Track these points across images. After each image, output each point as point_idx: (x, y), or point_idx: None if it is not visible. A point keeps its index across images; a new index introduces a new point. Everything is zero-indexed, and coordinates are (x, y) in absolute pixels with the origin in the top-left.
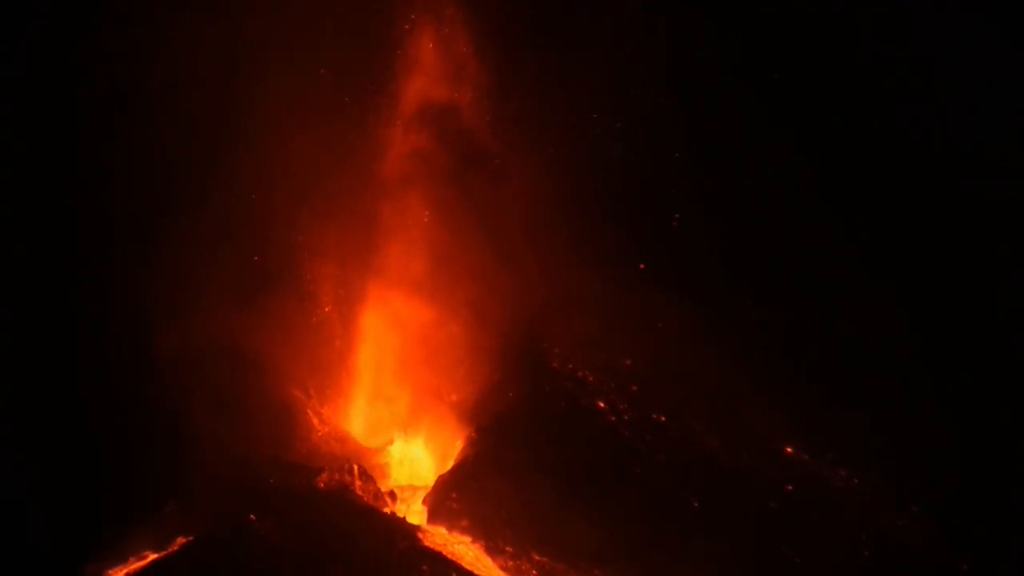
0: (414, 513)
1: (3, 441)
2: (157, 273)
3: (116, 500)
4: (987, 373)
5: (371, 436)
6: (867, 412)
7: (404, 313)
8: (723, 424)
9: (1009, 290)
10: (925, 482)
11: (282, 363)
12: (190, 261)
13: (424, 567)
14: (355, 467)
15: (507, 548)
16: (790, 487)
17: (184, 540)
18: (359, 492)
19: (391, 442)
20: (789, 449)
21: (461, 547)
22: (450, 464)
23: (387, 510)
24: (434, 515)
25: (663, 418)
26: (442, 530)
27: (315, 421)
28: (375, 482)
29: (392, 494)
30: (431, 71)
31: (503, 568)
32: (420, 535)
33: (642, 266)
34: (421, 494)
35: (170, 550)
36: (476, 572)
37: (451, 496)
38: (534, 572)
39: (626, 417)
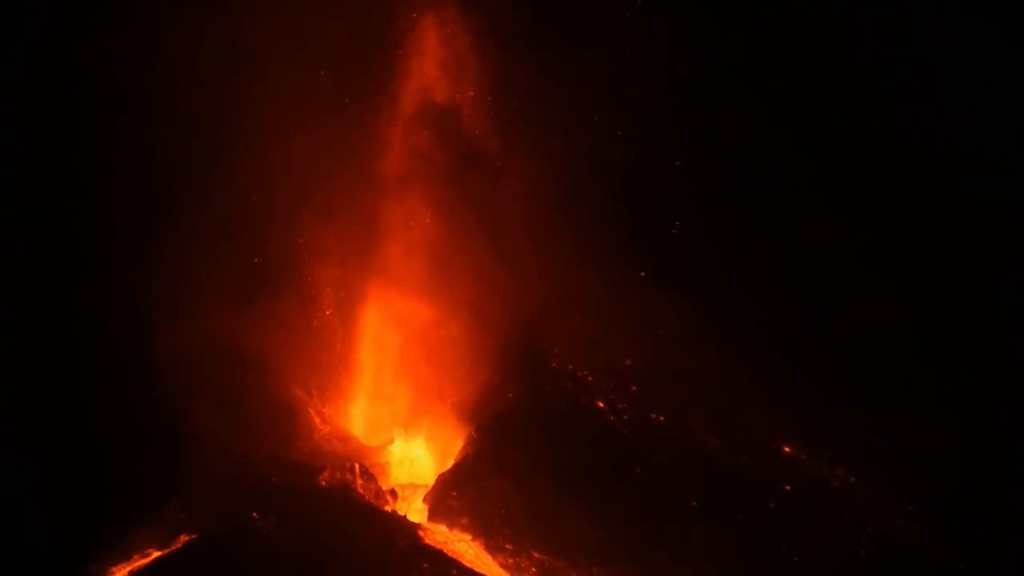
0: (415, 511)
1: (3, 441)
2: (157, 273)
3: (117, 500)
4: (987, 373)
5: (372, 435)
6: (867, 412)
7: (404, 313)
8: (723, 424)
9: (1009, 290)
10: (925, 482)
11: (283, 363)
12: (190, 261)
13: (425, 565)
14: (356, 466)
15: (507, 546)
16: (789, 487)
17: (187, 538)
18: (360, 491)
19: (392, 441)
20: (789, 449)
21: (461, 545)
22: (450, 463)
23: (388, 508)
24: (435, 513)
25: (662, 418)
26: (442, 528)
27: (317, 420)
28: (376, 481)
29: (393, 492)
30: (431, 71)
31: (503, 566)
32: (421, 533)
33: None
34: (422, 493)
35: (173, 548)
36: (476, 570)
37: (451, 495)
38: (533, 570)
39: (625, 417)
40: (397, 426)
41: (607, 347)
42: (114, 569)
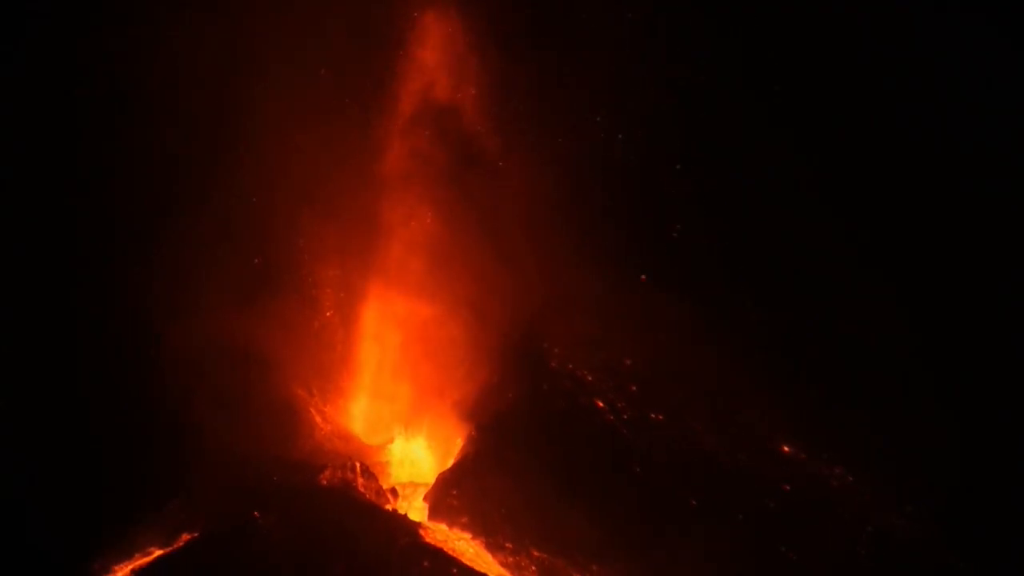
0: (415, 510)
1: (3, 441)
2: (157, 273)
3: (119, 499)
4: (987, 373)
5: (373, 434)
6: (867, 412)
7: (405, 312)
8: (723, 424)
9: (1009, 290)
10: (924, 482)
11: (284, 362)
12: (190, 261)
13: (425, 563)
14: (357, 465)
15: (507, 544)
16: (789, 487)
17: (189, 536)
18: (361, 489)
19: (393, 440)
20: (788, 449)
21: (461, 543)
22: (451, 462)
23: (389, 507)
24: (435, 512)
25: (662, 417)
26: (443, 526)
27: (317, 419)
28: (377, 479)
29: (394, 491)
30: (431, 71)
31: (503, 564)
32: (421, 531)
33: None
34: (422, 491)
35: (175, 546)
36: (476, 568)
37: (452, 493)
38: (533, 568)
39: (625, 416)
40: (398, 425)
41: (607, 347)
42: (116, 567)
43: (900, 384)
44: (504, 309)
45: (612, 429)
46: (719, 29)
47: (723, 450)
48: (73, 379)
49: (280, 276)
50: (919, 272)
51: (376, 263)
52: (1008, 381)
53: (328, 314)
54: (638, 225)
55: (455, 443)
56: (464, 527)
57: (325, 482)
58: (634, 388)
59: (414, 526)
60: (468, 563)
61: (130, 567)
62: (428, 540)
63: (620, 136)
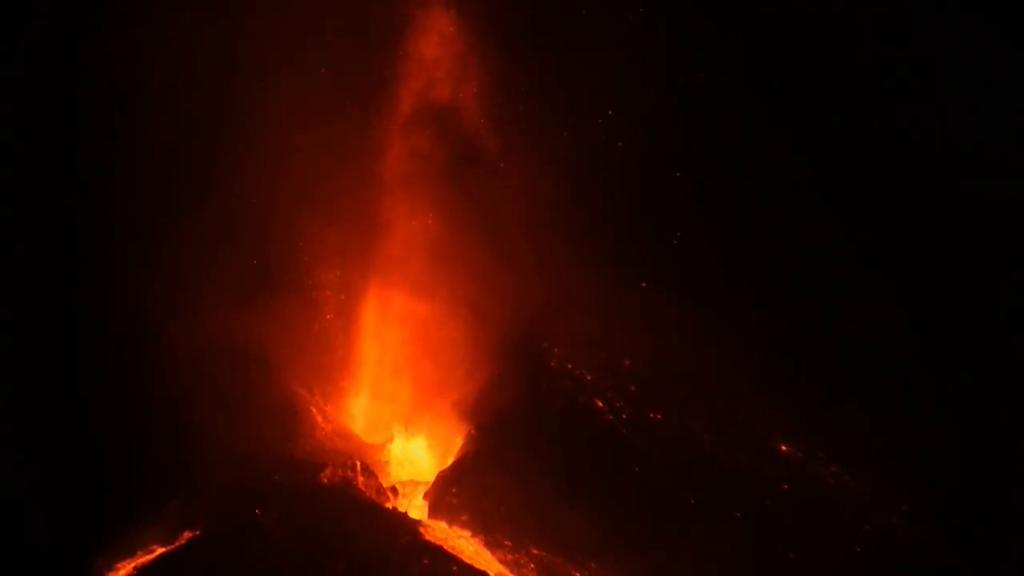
0: (415, 508)
1: (3, 441)
2: (157, 273)
3: (121, 498)
4: (987, 373)
5: (373, 433)
6: (866, 412)
7: (405, 312)
8: (722, 424)
9: (1009, 290)
10: (923, 482)
11: (284, 361)
12: (190, 261)
13: (425, 560)
14: (358, 463)
15: (506, 542)
16: (788, 486)
17: (190, 535)
18: (362, 488)
19: (393, 439)
20: (787, 448)
21: (461, 541)
22: (450, 460)
23: (389, 505)
24: (435, 510)
25: (661, 417)
26: (443, 525)
27: (318, 418)
28: (377, 478)
29: (394, 490)
30: (431, 71)
31: (502, 562)
32: (421, 529)
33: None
34: (422, 490)
35: (177, 544)
36: (476, 565)
37: (451, 492)
38: (532, 565)
39: (624, 416)
40: (398, 424)
41: (606, 347)
42: (119, 565)
43: (900, 384)
44: (504, 309)
45: (611, 429)
46: (719, 29)
47: (723, 450)
48: (73, 379)
49: (280, 276)
50: (919, 272)
51: (376, 263)
52: (1008, 381)
53: (328, 314)
54: (638, 225)
55: (455, 442)
56: (464, 525)
57: (326, 481)
58: (633, 388)
59: (414, 524)
60: (468, 561)
61: (132, 565)
62: (428, 538)
63: (620, 136)
